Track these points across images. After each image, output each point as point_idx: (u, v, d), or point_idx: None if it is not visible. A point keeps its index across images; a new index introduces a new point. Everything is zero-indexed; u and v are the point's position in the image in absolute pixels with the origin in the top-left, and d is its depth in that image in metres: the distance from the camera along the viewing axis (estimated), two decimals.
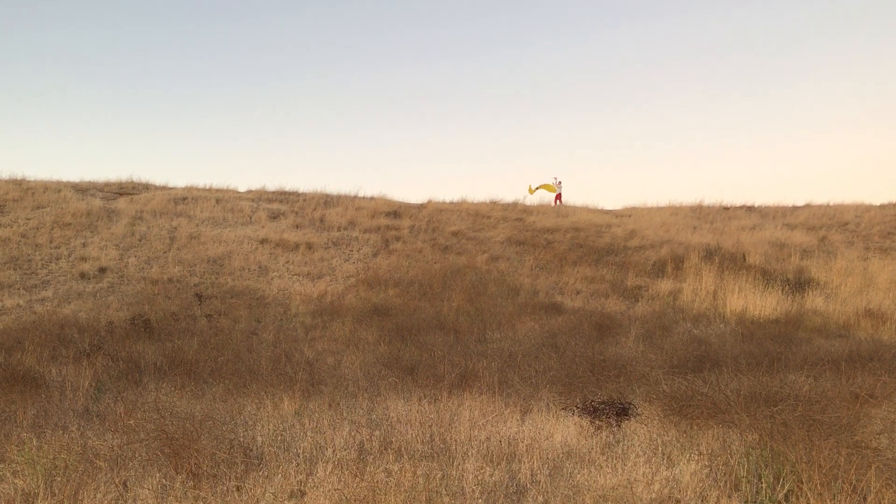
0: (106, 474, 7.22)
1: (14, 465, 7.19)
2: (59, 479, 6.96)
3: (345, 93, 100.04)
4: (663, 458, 7.87)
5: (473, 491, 6.78)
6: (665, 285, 24.61)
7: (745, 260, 26.89)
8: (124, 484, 7.09)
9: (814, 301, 22.57)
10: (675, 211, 35.60)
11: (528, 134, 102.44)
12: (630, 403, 9.77)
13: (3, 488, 6.87)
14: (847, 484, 5.90)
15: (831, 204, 36.35)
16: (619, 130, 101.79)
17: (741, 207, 36.72)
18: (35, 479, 6.92)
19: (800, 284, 24.02)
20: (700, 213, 35.17)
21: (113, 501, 6.62)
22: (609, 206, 37.50)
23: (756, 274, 24.71)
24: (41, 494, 6.74)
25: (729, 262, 26.18)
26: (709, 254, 27.15)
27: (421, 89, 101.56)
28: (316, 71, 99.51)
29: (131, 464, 7.66)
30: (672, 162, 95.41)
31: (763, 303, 21.92)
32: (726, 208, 36.32)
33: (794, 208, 36.21)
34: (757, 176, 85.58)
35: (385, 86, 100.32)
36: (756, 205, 37.12)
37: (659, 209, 36.28)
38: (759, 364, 13.17)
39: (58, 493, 6.75)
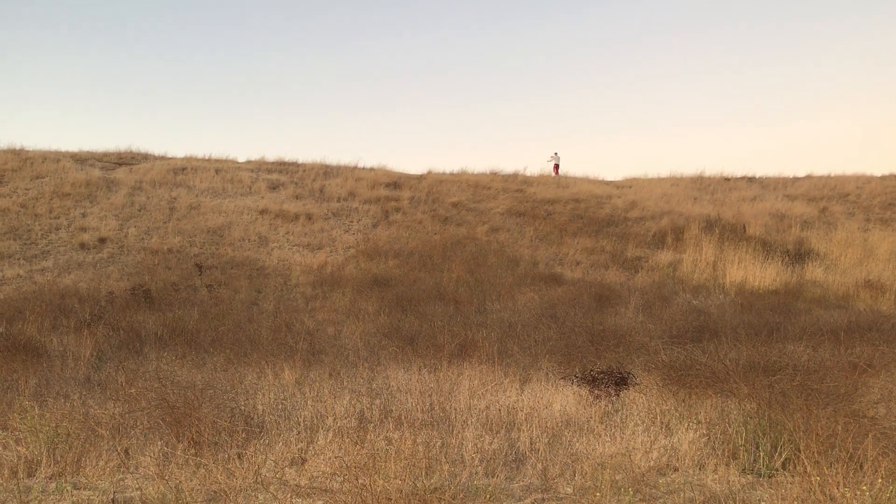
0: (108, 442, 7.26)
1: (17, 433, 7.23)
2: (62, 446, 7.01)
3: (345, 64, 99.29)
4: (662, 427, 7.91)
5: (473, 459, 6.82)
6: (665, 256, 24.62)
7: (745, 231, 26.87)
8: (126, 451, 7.14)
9: (813, 272, 22.59)
10: (675, 182, 35.50)
11: (528, 105, 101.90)
12: (629, 373, 9.80)
13: (7, 456, 6.91)
14: (844, 452, 5.93)
15: (832, 175, 36.26)
16: (621, 102, 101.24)
17: (742, 178, 36.61)
18: (38, 447, 6.96)
19: (800, 255, 24.04)
20: (701, 184, 35.08)
21: (115, 469, 6.66)
22: (610, 178, 37.41)
23: (756, 245, 24.70)
24: (44, 462, 6.79)
25: (729, 233, 26.17)
26: (709, 225, 27.13)
27: (421, 61, 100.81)
28: (316, 42, 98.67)
29: (133, 432, 7.70)
30: (673, 133, 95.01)
31: (763, 274, 21.95)
32: (727, 179, 36.20)
33: (795, 179, 36.10)
34: (758, 147, 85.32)
35: (385, 57, 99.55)
36: (757, 176, 37.03)
37: (660, 180, 36.17)
38: (758, 334, 13.21)
39: (60, 461, 6.80)
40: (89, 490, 6.04)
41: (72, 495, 5.84)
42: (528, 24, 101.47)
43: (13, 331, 13.58)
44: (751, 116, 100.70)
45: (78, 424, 7.55)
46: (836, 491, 5.11)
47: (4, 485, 6.21)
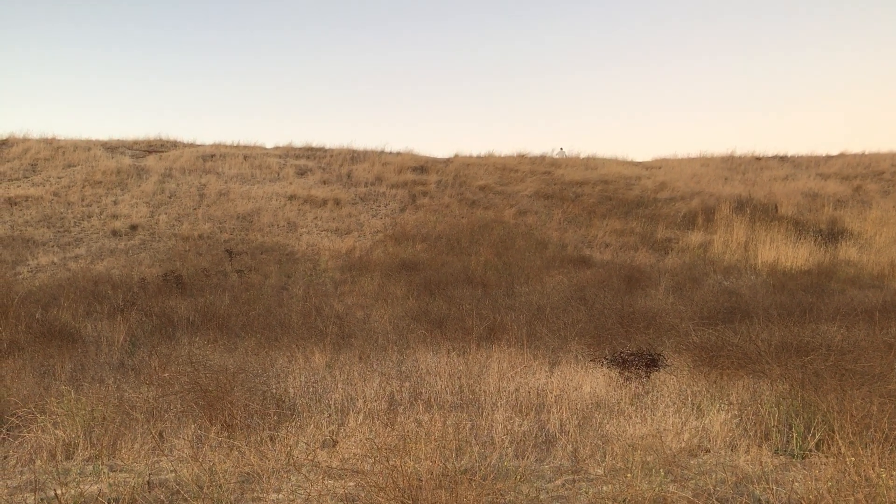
0: (142, 425, 7.37)
1: (54, 417, 7.35)
2: (98, 430, 7.12)
3: (370, 47, 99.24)
4: (693, 409, 7.85)
5: (503, 440, 6.83)
6: (695, 237, 24.38)
7: (777, 211, 26.52)
8: (160, 434, 7.24)
9: (847, 252, 22.26)
10: (706, 162, 35.06)
11: (556, 86, 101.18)
12: (659, 354, 9.75)
13: (45, 438, 7.04)
14: (879, 433, 5.84)
15: (866, 153, 35.55)
16: (650, 81, 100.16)
17: (773, 157, 36.06)
18: (74, 430, 7.08)
19: (833, 235, 23.69)
20: (731, 164, 34.62)
21: (150, 451, 6.76)
22: (639, 158, 37.12)
23: (788, 225, 24.38)
24: (81, 444, 6.90)
25: (761, 213, 25.84)
26: (740, 205, 26.81)
27: (447, 43, 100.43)
28: (341, 25, 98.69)
29: (167, 415, 7.81)
30: (703, 112, 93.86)
31: (795, 254, 21.68)
32: (758, 158, 35.68)
33: (828, 158, 35.48)
34: (790, 125, 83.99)
35: (411, 40, 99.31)
36: (789, 154, 36.43)
37: (689, 160, 35.74)
38: (790, 315, 13.06)
39: (97, 444, 6.91)
40: (125, 472, 6.14)
41: (108, 477, 5.94)
42: (555, 3, 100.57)
43: (48, 317, 13.81)
44: (782, 94, 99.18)
45: (113, 408, 7.67)
46: (871, 472, 5.04)
47: (43, 466, 6.33)
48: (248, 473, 5.97)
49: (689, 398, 8.19)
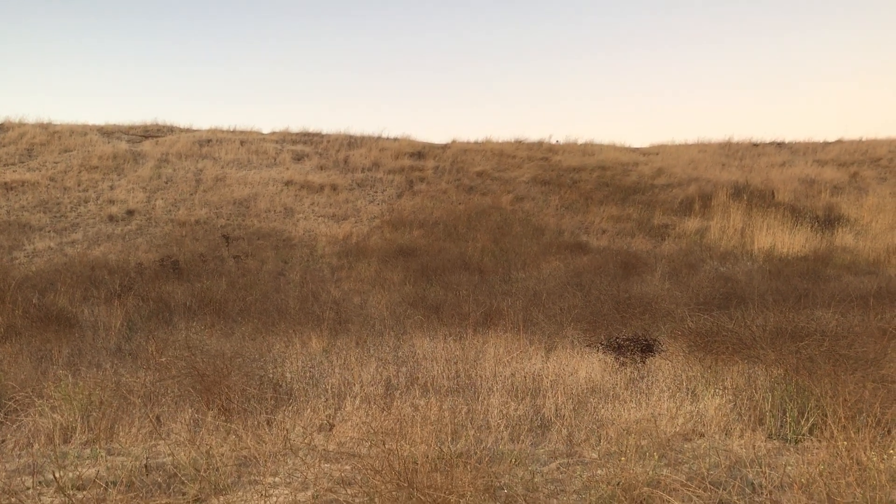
0: (140, 409, 7.40)
1: (52, 401, 7.38)
2: (95, 414, 7.15)
3: (367, 32, 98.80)
4: (688, 393, 7.90)
5: (498, 424, 6.87)
6: (692, 223, 24.41)
7: (773, 197, 26.54)
8: (158, 419, 7.27)
9: (843, 238, 22.31)
10: (703, 148, 35.03)
11: (554, 71, 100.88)
12: (655, 340, 9.78)
13: (43, 423, 7.07)
14: (872, 417, 5.89)
15: (864, 139, 35.54)
16: (647, 66, 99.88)
17: (771, 144, 36.04)
18: (72, 415, 7.10)
19: (829, 221, 23.74)
20: (729, 150, 34.59)
21: (147, 435, 6.79)
22: (636, 144, 36.99)
23: (785, 211, 24.40)
24: (79, 429, 6.94)
25: (757, 199, 25.86)
26: (737, 191, 26.82)
27: (445, 29, 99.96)
28: (338, 11, 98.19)
29: (164, 399, 7.84)
30: (701, 98, 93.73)
31: (791, 240, 21.72)
32: (755, 145, 35.66)
33: (826, 144, 35.46)
34: (788, 111, 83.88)
35: (408, 26, 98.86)
36: (786, 141, 36.40)
37: (687, 146, 35.70)
38: (786, 300, 13.11)
39: (94, 428, 6.94)
40: (123, 456, 6.17)
41: (106, 461, 5.97)
42: None
43: (46, 302, 13.82)
44: (780, 80, 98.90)
45: (110, 392, 7.69)
46: (863, 455, 5.08)
47: (42, 450, 6.36)
48: (245, 457, 6.01)
49: (683, 383, 8.24)
